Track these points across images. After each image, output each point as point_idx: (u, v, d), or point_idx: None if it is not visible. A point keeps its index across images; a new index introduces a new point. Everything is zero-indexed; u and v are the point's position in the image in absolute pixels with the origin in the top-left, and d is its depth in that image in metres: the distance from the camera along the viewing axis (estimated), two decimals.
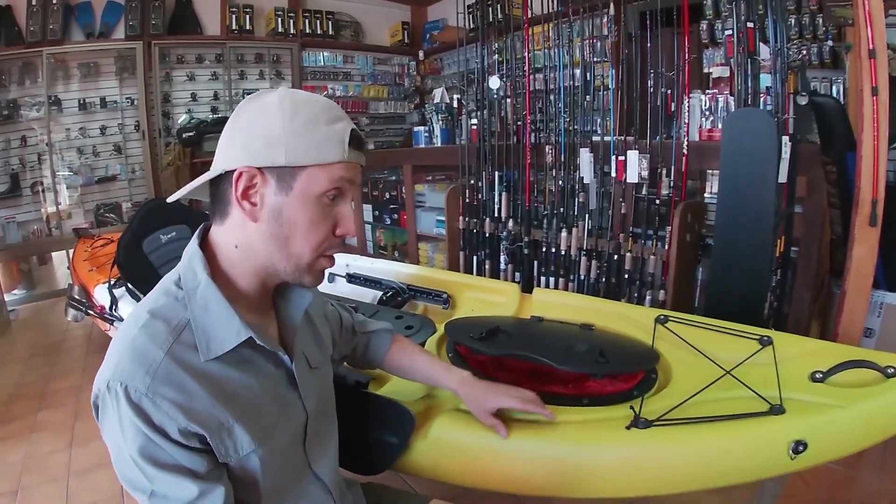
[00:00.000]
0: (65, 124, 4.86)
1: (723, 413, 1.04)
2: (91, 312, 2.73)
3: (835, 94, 2.75)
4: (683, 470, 1.03)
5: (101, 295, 2.58)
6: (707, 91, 2.35)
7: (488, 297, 1.90)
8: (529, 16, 2.94)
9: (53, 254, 5.14)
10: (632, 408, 1.11)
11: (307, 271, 0.82)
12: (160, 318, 0.75)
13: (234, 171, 0.76)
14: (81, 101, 4.89)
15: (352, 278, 2.23)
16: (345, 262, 2.32)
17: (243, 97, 0.92)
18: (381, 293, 2.06)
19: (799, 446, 0.96)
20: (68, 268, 3.82)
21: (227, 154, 0.77)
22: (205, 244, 0.83)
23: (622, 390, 1.26)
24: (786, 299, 2.10)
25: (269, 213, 0.77)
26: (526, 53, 2.94)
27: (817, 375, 1.12)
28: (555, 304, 1.76)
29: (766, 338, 1.27)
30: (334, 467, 0.98)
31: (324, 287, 2.14)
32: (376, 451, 1.20)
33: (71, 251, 3.89)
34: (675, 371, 1.32)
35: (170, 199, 0.88)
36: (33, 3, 4.58)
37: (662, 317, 1.47)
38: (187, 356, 0.74)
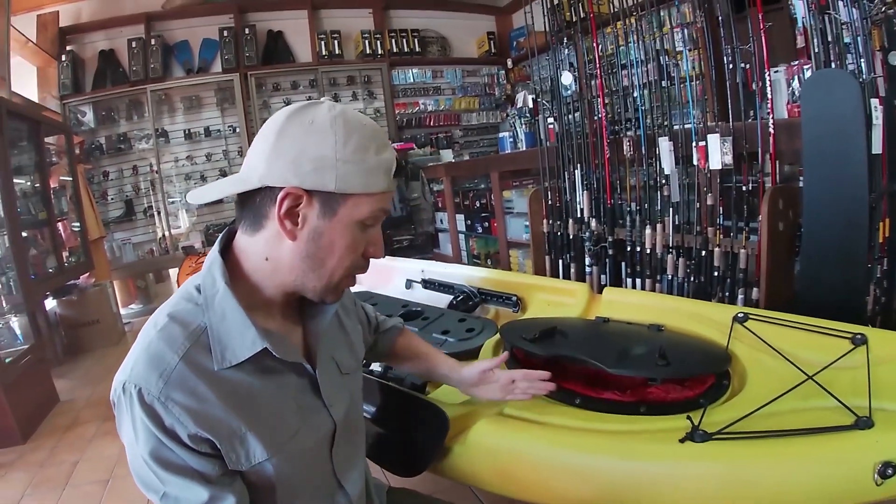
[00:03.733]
0: (173, 153, 5.32)
1: (799, 426, 0.88)
2: None
3: None
4: (742, 493, 0.86)
5: None
6: (792, 63, 2.09)
7: (557, 299, 1.80)
8: (595, 12, 2.83)
9: (171, 271, 5.56)
10: (689, 418, 0.97)
11: (333, 290, 0.82)
12: (178, 323, 0.75)
13: (279, 188, 0.74)
14: (187, 132, 5.33)
15: (427, 284, 2.20)
16: (420, 268, 2.29)
17: None
18: (453, 297, 2.01)
19: (888, 469, 0.76)
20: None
21: (272, 168, 0.75)
22: (228, 250, 0.82)
23: (687, 398, 1.11)
24: None
25: (308, 235, 0.77)
26: (596, 49, 2.81)
27: None
28: (625, 303, 1.62)
29: (859, 336, 1.06)
30: (361, 473, 0.95)
31: (402, 293, 2.16)
32: (412, 453, 1.17)
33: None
34: (750, 376, 1.15)
35: (193, 200, 0.84)
36: (133, 45, 5.10)
37: (742, 314, 1.29)
38: (203, 361, 0.74)
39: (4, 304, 3.12)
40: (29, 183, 3.78)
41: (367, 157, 0.75)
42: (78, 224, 4.34)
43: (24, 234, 3.39)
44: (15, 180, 3.40)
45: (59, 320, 4.12)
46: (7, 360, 2.81)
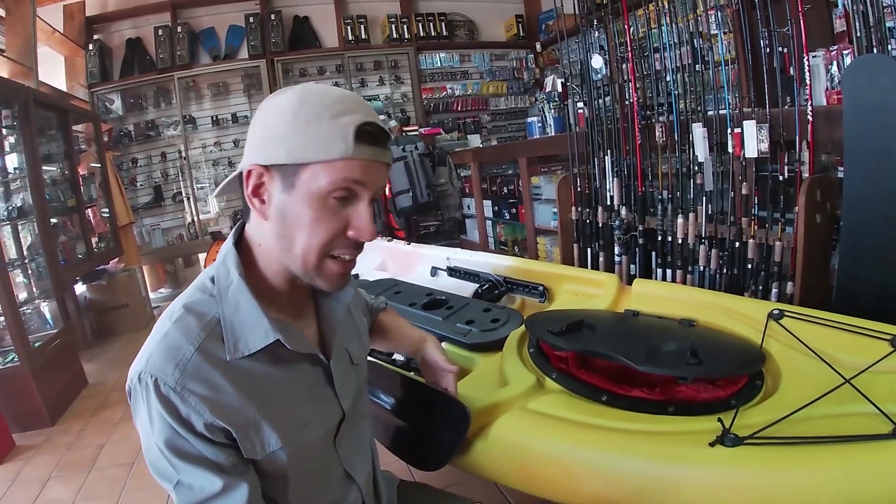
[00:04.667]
0: (201, 139, 5.37)
1: (833, 433, 0.83)
2: None
3: None
4: (773, 502, 0.81)
5: None
6: (831, 47, 2.00)
7: (585, 290, 1.75)
8: None
9: (200, 255, 5.66)
10: (720, 420, 0.92)
11: (317, 274, 0.79)
12: (193, 314, 0.76)
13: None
14: (214, 118, 5.38)
15: (452, 271, 2.17)
16: (446, 255, 2.27)
17: None
18: (478, 286, 1.98)
19: None
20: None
21: (247, 153, 0.78)
22: (242, 241, 0.83)
23: (717, 398, 1.06)
24: None
25: (275, 212, 0.76)
26: (627, 32, 2.73)
27: None
28: (656, 296, 1.56)
29: None
30: (365, 461, 0.97)
31: (427, 280, 2.13)
32: (432, 447, 1.16)
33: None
34: (784, 377, 1.10)
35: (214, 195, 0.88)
36: (160, 33, 5.15)
37: (777, 311, 1.24)
38: (218, 352, 0.74)
39: (34, 290, 3.20)
40: (58, 170, 3.86)
41: (319, 124, 0.72)
42: (107, 210, 4.43)
43: (53, 220, 3.47)
44: (44, 168, 3.47)
45: (88, 305, 4.21)
46: (36, 345, 2.87)
